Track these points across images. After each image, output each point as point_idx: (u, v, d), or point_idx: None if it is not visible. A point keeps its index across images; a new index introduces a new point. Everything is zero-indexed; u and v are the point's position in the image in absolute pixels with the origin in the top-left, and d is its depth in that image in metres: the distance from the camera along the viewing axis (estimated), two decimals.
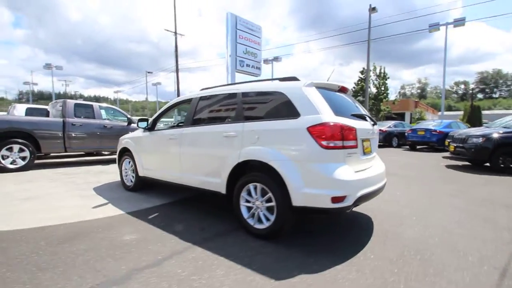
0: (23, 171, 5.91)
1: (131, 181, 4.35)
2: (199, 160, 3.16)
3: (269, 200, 2.50)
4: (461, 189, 4.71)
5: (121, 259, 2.18)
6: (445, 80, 19.14)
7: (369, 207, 3.44)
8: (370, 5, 16.81)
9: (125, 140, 4.46)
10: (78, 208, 3.48)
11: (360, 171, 2.47)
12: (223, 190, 2.87)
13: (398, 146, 14.15)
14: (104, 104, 8.13)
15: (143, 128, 3.99)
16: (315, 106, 2.35)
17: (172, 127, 4.12)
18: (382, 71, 28.16)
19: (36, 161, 6.35)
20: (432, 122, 13.14)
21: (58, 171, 6.08)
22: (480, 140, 6.32)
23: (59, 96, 41.87)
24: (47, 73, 36.41)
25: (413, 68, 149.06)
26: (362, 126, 2.59)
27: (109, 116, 7.95)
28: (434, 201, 3.97)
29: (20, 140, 5.94)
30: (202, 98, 3.36)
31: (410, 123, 26.71)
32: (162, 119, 4.14)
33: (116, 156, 7.94)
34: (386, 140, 13.70)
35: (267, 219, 2.53)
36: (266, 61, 25.71)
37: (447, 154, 10.35)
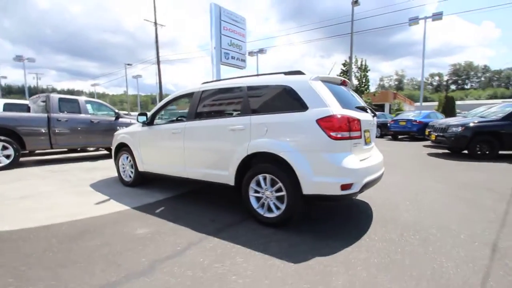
0: (8, 169, 5.65)
1: (130, 176, 4.31)
2: (205, 153, 3.20)
3: (279, 190, 2.61)
4: (445, 175, 5.07)
5: (140, 252, 2.22)
6: (423, 72, 19.95)
7: (365, 194, 3.63)
8: None
9: (121, 135, 4.39)
10: (79, 205, 3.43)
11: (364, 160, 2.63)
12: (231, 182, 2.95)
13: (381, 136, 14.73)
14: (90, 98, 7.84)
15: (142, 122, 3.95)
16: (322, 99, 2.46)
17: (172, 121, 4.10)
18: (364, 63, 28.87)
19: (20, 159, 6.08)
20: (412, 113, 13.77)
21: (46, 169, 5.86)
22: (459, 129, 6.76)
23: (30, 90, 39.43)
24: (15, 65, 34.07)
25: (391, 60, 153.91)
26: (365, 117, 2.75)
27: (95, 111, 7.70)
28: (422, 187, 4.26)
29: (2, 138, 5.66)
30: (204, 92, 3.38)
31: (390, 114, 27.77)
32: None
33: (111, 152, 7.80)
34: None
35: (277, 208, 2.65)
36: (250, 53, 25.55)
37: (427, 143, 10.97)
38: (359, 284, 1.79)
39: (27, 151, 6.40)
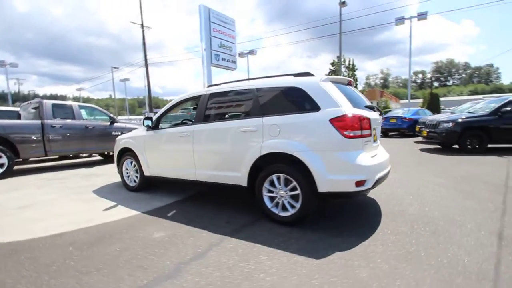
0: (1, 179, 5.47)
1: (135, 181, 4.28)
2: (215, 155, 3.23)
3: (293, 189, 2.67)
4: (440, 169, 5.28)
5: (162, 255, 2.23)
6: (410, 70, 20.63)
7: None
8: None
9: (124, 140, 4.34)
10: (87, 212, 3.38)
11: (374, 157, 2.73)
12: (244, 183, 2.99)
13: None
14: (83, 103, 7.68)
15: (147, 126, 3.93)
16: (334, 100, 2.55)
17: (176, 124, 4.10)
18: (351, 62, 29.51)
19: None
20: (401, 110, 14.18)
21: (41, 177, 5.71)
22: (450, 125, 7.04)
23: (12, 96, 37.99)
24: None
25: (376, 59, 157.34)
26: (373, 116, 2.85)
27: (89, 116, 7.55)
28: (421, 181, 4.42)
29: None
30: (212, 95, 3.41)
31: None
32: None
33: (105, 158, 7.65)
34: None
35: (292, 207, 2.71)
36: (240, 54, 25.60)
37: (417, 139, 11.31)
38: (383, 275, 1.87)
39: (21, 159, 6.21)
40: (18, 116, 7.34)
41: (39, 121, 6.19)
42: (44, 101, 6.51)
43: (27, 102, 7.18)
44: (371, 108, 2.99)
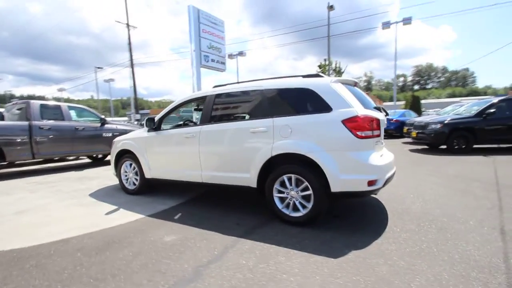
0: None
1: (134, 184, 4.16)
2: (223, 157, 3.20)
3: (304, 189, 2.70)
4: (434, 169, 5.48)
5: (179, 259, 2.19)
6: (396, 73, 21.35)
7: None
8: (328, 3, 17.82)
9: (123, 142, 4.22)
10: (88, 216, 3.26)
11: (382, 157, 2.80)
12: (253, 184, 2.98)
13: None
14: (72, 104, 7.40)
15: (149, 128, 3.84)
16: (345, 101, 2.60)
17: (178, 125, 4.03)
18: (338, 65, 30.06)
19: None
20: (388, 112, 14.61)
21: (31, 181, 5.45)
22: (438, 126, 7.33)
23: None
24: None
25: (359, 62, 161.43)
26: (381, 117, 2.93)
27: (78, 117, 7.28)
28: (418, 180, 4.58)
29: None
30: (218, 96, 3.38)
31: None
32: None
33: (94, 161, 7.43)
34: None
35: (303, 207, 2.73)
36: (230, 55, 25.51)
37: (405, 140, 11.68)
38: (402, 272, 1.92)
39: (6, 163, 5.89)
40: (1, 117, 6.97)
41: (26, 123, 5.90)
42: (32, 101, 6.23)
43: (12, 103, 6.84)
44: (378, 109, 3.06)
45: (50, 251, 2.38)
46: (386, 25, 17.77)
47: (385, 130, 13.46)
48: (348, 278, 1.86)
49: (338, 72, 30.12)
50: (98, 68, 32.70)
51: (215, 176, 3.27)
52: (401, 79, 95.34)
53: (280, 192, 2.85)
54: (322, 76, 2.92)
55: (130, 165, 4.17)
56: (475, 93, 61.22)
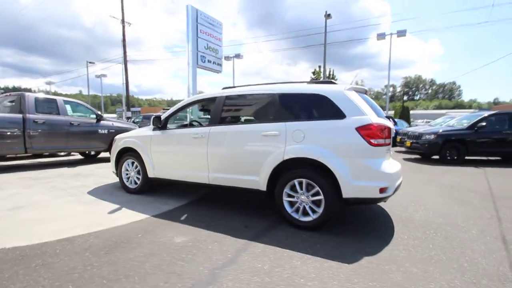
0: None
1: (135, 183, 4.08)
2: (232, 159, 3.18)
3: (315, 194, 2.72)
4: (429, 178, 5.63)
5: (192, 260, 2.16)
6: (389, 83, 21.83)
7: None
8: (326, 11, 18.15)
9: (126, 140, 4.14)
10: (90, 215, 3.17)
11: (391, 165, 2.86)
12: (263, 188, 2.98)
13: None
14: (68, 99, 7.21)
15: (155, 126, 3.78)
16: (359, 108, 2.65)
17: (184, 126, 3.99)
18: (331, 73, 30.56)
19: None
20: None
21: (23, 176, 5.25)
22: (432, 137, 7.55)
23: None
24: None
25: (350, 71, 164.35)
26: (391, 125, 2.99)
27: (73, 112, 7.10)
28: (417, 189, 4.69)
29: None
30: (229, 97, 3.37)
31: None
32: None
33: (86, 157, 7.25)
34: None
35: (313, 212, 2.75)
36: (226, 57, 25.51)
37: (397, 149, 11.94)
38: (416, 278, 1.96)
39: None
40: None
41: (20, 115, 5.70)
42: (27, 94, 6.03)
43: (4, 95, 6.60)
44: (388, 118, 3.13)
45: (56, 250, 2.30)
46: (381, 36, 18.28)
47: None
48: (365, 284, 1.89)
49: (332, 79, 30.73)
50: (90, 62, 31.98)
51: (223, 178, 3.24)
52: (391, 89, 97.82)
53: (290, 196, 2.86)
54: (335, 83, 2.97)
55: (132, 163, 4.08)
56: (460, 106, 63.47)
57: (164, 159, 3.74)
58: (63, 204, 3.53)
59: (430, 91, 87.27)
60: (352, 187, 2.55)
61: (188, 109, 8.11)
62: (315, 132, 2.74)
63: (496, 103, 62.16)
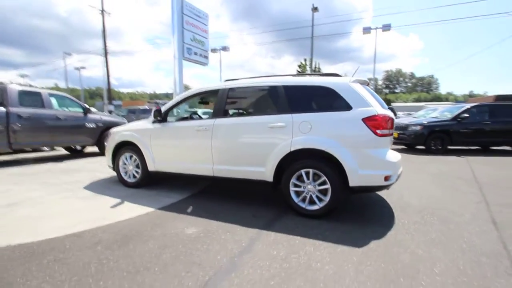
0: None
1: (134, 177, 4.01)
2: (238, 151, 3.19)
3: (322, 184, 2.80)
4: (416, 167, 5.90)
5: (209, 251, 2.18)
6: (374, 75, 22.35)
7: None
8: (313, 4, 18.20)
9: (123, 133, 4.03)
10: (93, 209, 3.10)
11: (394, 154, 2.98)
12: (269, 178, 3.03)
13: None
14: (53, 91, 6.88)
15: (155, 119, 3.71)
16: (365, 100, 2.73)
17: (185, 118, 3.95)
18: (317, 66, 30.92)
19: None
20: None
21: (9, 172, 5.00)
22: (418, 128, 7.87)
23: None
24: None
25: (334, 64, 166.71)
26: (393, 116, 3.11)
27: (60, 106, 6.79)
28: (408, 178, 4.90)
29: None
30: (232, 90, 3.36)
31: None
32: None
33: (71, 152, 7.01)
34: None
35: (320, 200, 2.83)
36: (213, 50, 25.08)
37: None
38: (423, 258, 2.09)
39: None
40: None
41: (3, 109, 5.39)
42: (9, 86, 5.69)
43: None
44: (390, 109, 3.25)
45: (65, 246, 2.24)
46: (367, 30, 18.62)
47: None
48: (377, 266, 1.99)
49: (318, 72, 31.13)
50: (67, 54, 30.42)
51: (228, 170, 3.26)
52: (373, 82, 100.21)
53: (296, 186, 2.93)
54: (340, 76, 3.03)
55: (131, 157, 4.00)
56: (438, 98, 66.11)
57: (166, 152, 3.70)
58: (60, 200, 3.42)
59: (409, 84, 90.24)
60: (358, 176, 2.65)
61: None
62: (322, 124, 2.80)
63: (471, 95, 65.37)
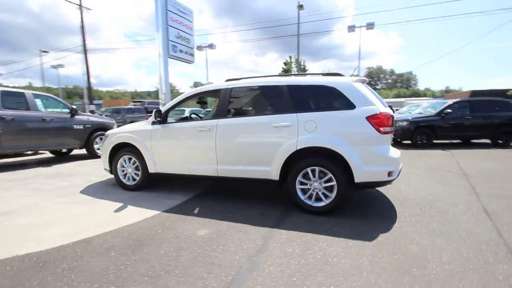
0: None
1: (134, 179, 3.93)
2: (243, 150, 3.21)
3: (328, 181, 2.88)
4: (408, 162, 6.15)
5: (225, 251, 2.20)
6: (359, 73, 22.80)
7: None
8: (299, 2, 18.35)
9: (120, 135, 3.93)
10: (95, 214, 3.03)
11: (395, 151, 3.11)
12: (275, 177, 3.07)
13: None
14: (38, 92, 6.56)
15: (156, 121, 3.64)
16: (368, 99, 2.83)
17: (184, 119, 3.91)
18: (302, 63, 31.19)
19: None
20: None
21: None
22: (405, 123, 8.19)
23: None
24: None
25: (317, 61, 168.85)
26: (393, 114, 3.23)
27: (45, 107, 6.50)
28: (401, 172, 5.11)
29: None
30: (234, 89, 3.37)
31: None
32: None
33: (57, 155, 6.79)
34: None
35: (326, 197, 2.91)
36: (199, 47, 24.71)
37: None
38: (429, 248, 2.22)
39: None
40: None
41: None
42: None
43: None
44: (389, 107, 3.37)
45: (77, 253, 2.19)
46: (352, 28, 19.05)
47: None
48: (390, 257, 2.09)
49: (303, 70, 31.34)
50: (43, 52, 28.95)
51: (233, 170, 3.27)
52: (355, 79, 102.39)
53: (302, 183, 2.99)
54: (342, 75, 3.11)
55: (129, 159, 3.92)
56: (417, 94, 68.80)
57: (167, 153, 3.65)
58: (58, 206, 3.31)
59: (390, 80, 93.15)
60: (363, 172, 2.75)
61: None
62: (327, 122, 2.87)
63: (447, 91, 68.39)
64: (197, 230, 2.60)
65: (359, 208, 3.19)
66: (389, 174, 2.77)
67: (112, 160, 4.06)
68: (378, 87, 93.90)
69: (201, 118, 4.29)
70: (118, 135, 3.98)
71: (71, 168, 5.80)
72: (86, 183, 4.40)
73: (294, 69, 30.43)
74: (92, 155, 7.04)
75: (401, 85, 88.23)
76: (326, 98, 3.00)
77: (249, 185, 4.11)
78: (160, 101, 11.05)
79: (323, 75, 3.15)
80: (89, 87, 25.08)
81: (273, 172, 3.07)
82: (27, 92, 6.02)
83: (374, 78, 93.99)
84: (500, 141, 8.12)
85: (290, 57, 31.30)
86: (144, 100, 20.33)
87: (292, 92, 3.09)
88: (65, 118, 6.53)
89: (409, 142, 8.38)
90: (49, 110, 6.49)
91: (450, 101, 8.40)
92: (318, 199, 2.96)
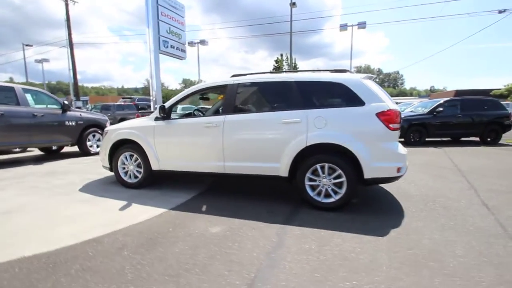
0: None
1: (135, 177, 3.83)
2: (252, 147, 3.18)
3: (337, 177, 2.89)
4: None
5: (241, 248, 2.18)
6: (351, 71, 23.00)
7: None
8: (291, 0, 18.35)
9: (122, 131, 3.82)
10: (100, 213, 2.93)
11: (402, 147, 3.15)
12: (284, 174, 3.06)
13: None
14: (28, 87, 6.29)
15: (160, 116, 3.55)
16: (377, 95, 2.85)
17: (188, 115, 3.84)
18: (294, 61, 31.29)
19: None
20: None
21: None
22: None
23: None
24: None
25: (307, 60, 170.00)
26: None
27: (36, 102, 6.24)
28: None
29: None
30: (241, 85, 3.33)
31: None
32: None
33: (47, 152, 6.60)
34: None
35: (335, 193, 2.93)
36: (190, 43, 24.30)
37: None
38: (441, 242, 2.27)
39: None
40: None
41: None
42: None
43: None
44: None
45: (88, 253, 2.11)
46: (344, 27, 19.24)
47: None
48: (405, 252, 2.13)
49: (294, 68, 31.46)
50: (27, 45, 27.73)
51: (241, 166, 3.24)
52: None
53: (311, 180, 3.00)
54: (350, 72, 3.13)
55: (131, 156, 3.81)
56: (403, 93, 70.49)
57: (171, 150, 3.57)
58: (59, 205, 3.19)
59: (377, 80, 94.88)
60: (373, 168, 2.78)
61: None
62: (337, 119, 2.88)
63: (432, 90, 70.45)
64: (210, 228, 2.56)
65: (367, 204, 3.23)
66: (398, 170, 2.81)
67: (112, 158, 3.94)
68: None
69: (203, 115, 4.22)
70: (118, 132, 3.86)
71: (65, 166, 5.62)
72: (83, 181, 4.26)
73: (285, 67, 30.55)
74: (85, 152, 6.84)
75: (388, 85, 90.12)
76: (336, 95, 3.01)
77: (252, 182, 4.09)
78: (151, 97, 10.83)
79: (331, 72, 3.15)
80: (75, 83, 24.29)
81: (282, 168, 3.06)
82: (17, 87, 5.77)
83: None
84: (489, 139, 8.43)
85: (281, 55, 31.45)
86: (134, 97, 19.89)
87: (301, 88, 3.08)
88: (56, 114, 6.31)
89: (403, 139, 8.56)
90: (40, 105, 6.24)
91: (441, 100, 8.63)
92: (327, 195, 2.97)
